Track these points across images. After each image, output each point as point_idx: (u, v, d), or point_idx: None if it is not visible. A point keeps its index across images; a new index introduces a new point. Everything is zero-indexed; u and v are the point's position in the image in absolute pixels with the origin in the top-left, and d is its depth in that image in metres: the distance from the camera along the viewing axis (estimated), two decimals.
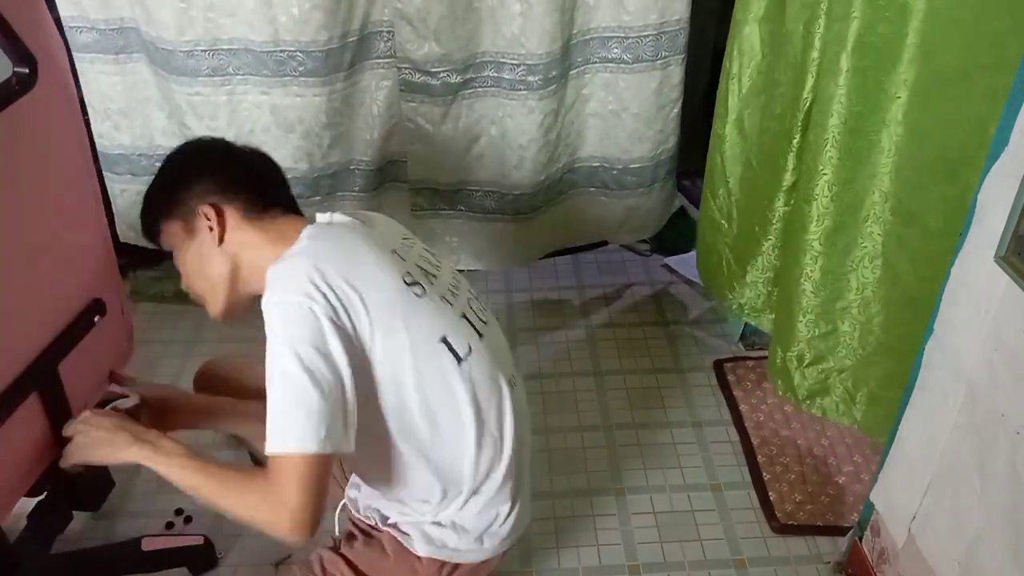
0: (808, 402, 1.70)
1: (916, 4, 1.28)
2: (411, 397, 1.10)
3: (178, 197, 1.17)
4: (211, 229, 1.15)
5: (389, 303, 1.07)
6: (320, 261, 1.05)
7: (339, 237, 1.13)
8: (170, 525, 1.66)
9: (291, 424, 1.00)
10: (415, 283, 1.12)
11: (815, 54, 1.52)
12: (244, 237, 1.16)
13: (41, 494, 1.45)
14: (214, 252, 1.16)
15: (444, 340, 1.13)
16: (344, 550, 1.24)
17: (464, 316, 1.19)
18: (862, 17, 1.36)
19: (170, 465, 1.12)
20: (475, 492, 1.19)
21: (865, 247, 1.51)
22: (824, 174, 1.50)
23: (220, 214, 1.16)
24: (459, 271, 1.32)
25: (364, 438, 1.06)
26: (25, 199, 1.20)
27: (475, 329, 1.19)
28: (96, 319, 1.35)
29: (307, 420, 0.99)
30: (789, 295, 1.66)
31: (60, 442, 1.23)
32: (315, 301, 1.01)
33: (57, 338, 1.27)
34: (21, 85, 1.16)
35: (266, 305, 1.03)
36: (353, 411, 1.03)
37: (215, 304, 1.21)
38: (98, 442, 1.18)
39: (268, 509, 1.02)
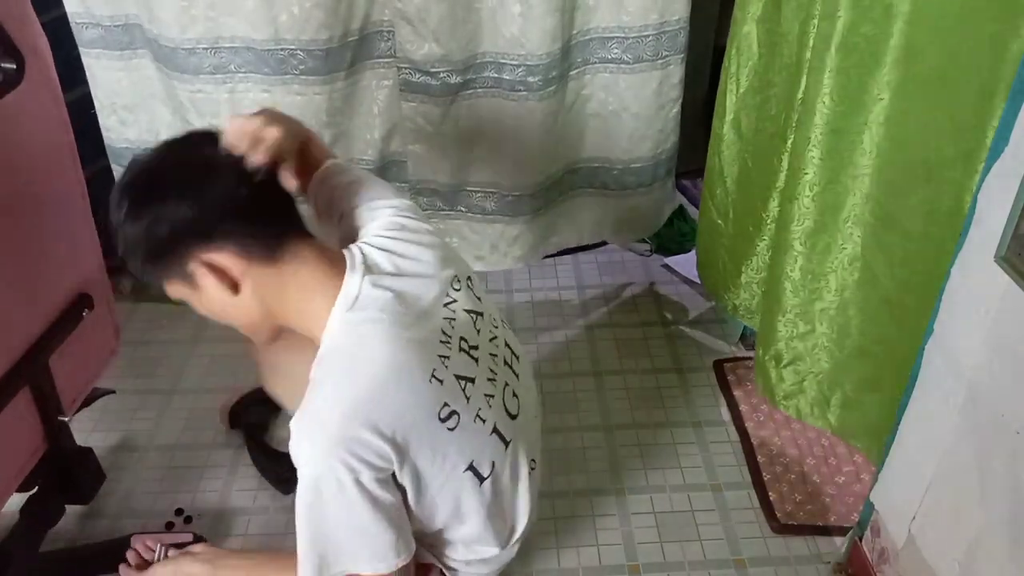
0: (784, 403, 1.71)
1: (901, 5, 1.27)
2: (421, 511, 1.14)
3: (160, 261, 1.02)
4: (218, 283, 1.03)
5: (420, 445, 1.06)
6: (349, 425, 0.99)
7: (370, 374, 1.01)
8: (170, 525, 1.66)
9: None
10: (450, 416, 1.09)
11: (808, 54, 1.52)
12: (261, 281, 1.04)
13: (32, 488, 1.45)
14: (231, 303, 1.05)
15: (470, 467, 1.14)
16: None
17: (495, 430, 1.18)
18: (846, 16, 1.35)
19: None
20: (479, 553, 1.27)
21: (845, 248, 1.50)
22: (806, 173, 1.49)
23: (217, 270, 1.02)
24: (502, 324, 1.30)
25: None
26: (11, 195, 1.20)
27: (503, 440, 1.20)
28: (84, 313, 1.35)
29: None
30: (771, 294, 1.67)
31: (49, 437, 1.24)
32: (347, 471, 0.99)
33: (46, 332, 1.27)
34: (7, 81, 1.16)
35: (298, 467, 1.01)
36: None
37: (259, 338, 1.13)
38: None
39: None
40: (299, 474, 1.02)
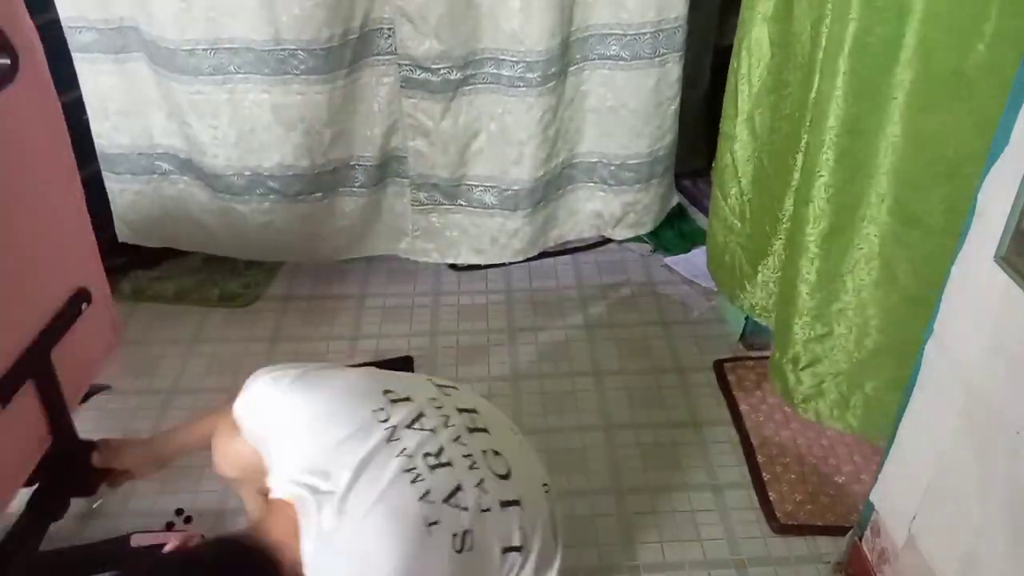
0: (804, 405, 1.69)
1: (914, 5, 1.27)
2: None
3: None
4: None
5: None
6: None
7: (386, 562, 1.03)
8: (170, 525, 1.66)
9: None
10: (464, 538, 1.10)
11: (821, 54, 1.52)
12: None
13: (35, 483, 1.46)
14: None
15: (504, 550, 1.15)
16: None
17: (502, 505, 1.18)
18: (860, 19, 1.35)
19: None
20: None
21: (861, 249, 1.50)
22: (821, 175, 1.50)
23: None
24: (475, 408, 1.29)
25: None
26: (6, 191, 1.21)
27: (515, 505, 1.19)
28: (83, 307, 1.38)
29: None
30: (787, 296, 1.66)
31: (55, 429, 1.28)
32: None
33: (47, 327, 1.30)
34: (2, 77, 1.17)
35: None
36: None
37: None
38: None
39: None
40: None
